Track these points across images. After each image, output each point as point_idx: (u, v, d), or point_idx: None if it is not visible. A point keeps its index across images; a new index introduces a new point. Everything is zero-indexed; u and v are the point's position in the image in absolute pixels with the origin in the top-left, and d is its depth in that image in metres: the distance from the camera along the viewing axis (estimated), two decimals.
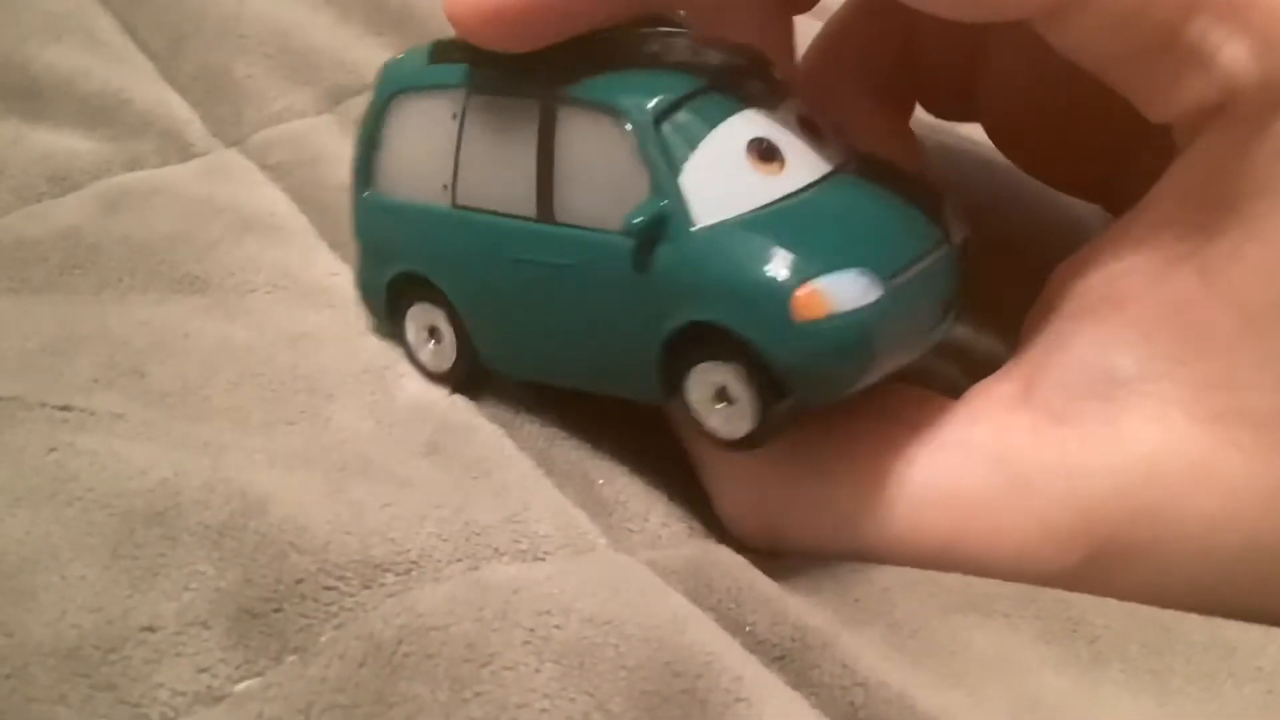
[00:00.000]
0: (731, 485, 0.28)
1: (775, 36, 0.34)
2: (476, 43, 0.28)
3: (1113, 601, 0.26)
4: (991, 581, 0.27)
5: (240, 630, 0.23)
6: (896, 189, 0.28)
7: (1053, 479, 0.26)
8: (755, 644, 0.25)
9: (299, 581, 0.24)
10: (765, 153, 0.27)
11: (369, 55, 0.43)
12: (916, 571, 0.27)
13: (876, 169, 0.28)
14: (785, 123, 0.28)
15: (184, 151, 0.39)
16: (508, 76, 0.28)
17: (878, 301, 0.25)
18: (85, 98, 0.40)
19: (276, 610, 0.24)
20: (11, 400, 0.27)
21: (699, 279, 0.26)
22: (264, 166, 0.39)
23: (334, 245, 0.36)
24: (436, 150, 0.29)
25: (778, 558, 0.28)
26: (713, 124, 0.27)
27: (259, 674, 0.23)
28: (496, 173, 0.29)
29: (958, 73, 0.35)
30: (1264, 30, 0.24)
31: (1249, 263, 0.25)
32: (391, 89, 0.31)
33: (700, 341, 0.26)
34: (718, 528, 0.29)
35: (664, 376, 0.27)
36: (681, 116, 0.27)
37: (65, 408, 0.28)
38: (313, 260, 0.35)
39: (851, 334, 0.25)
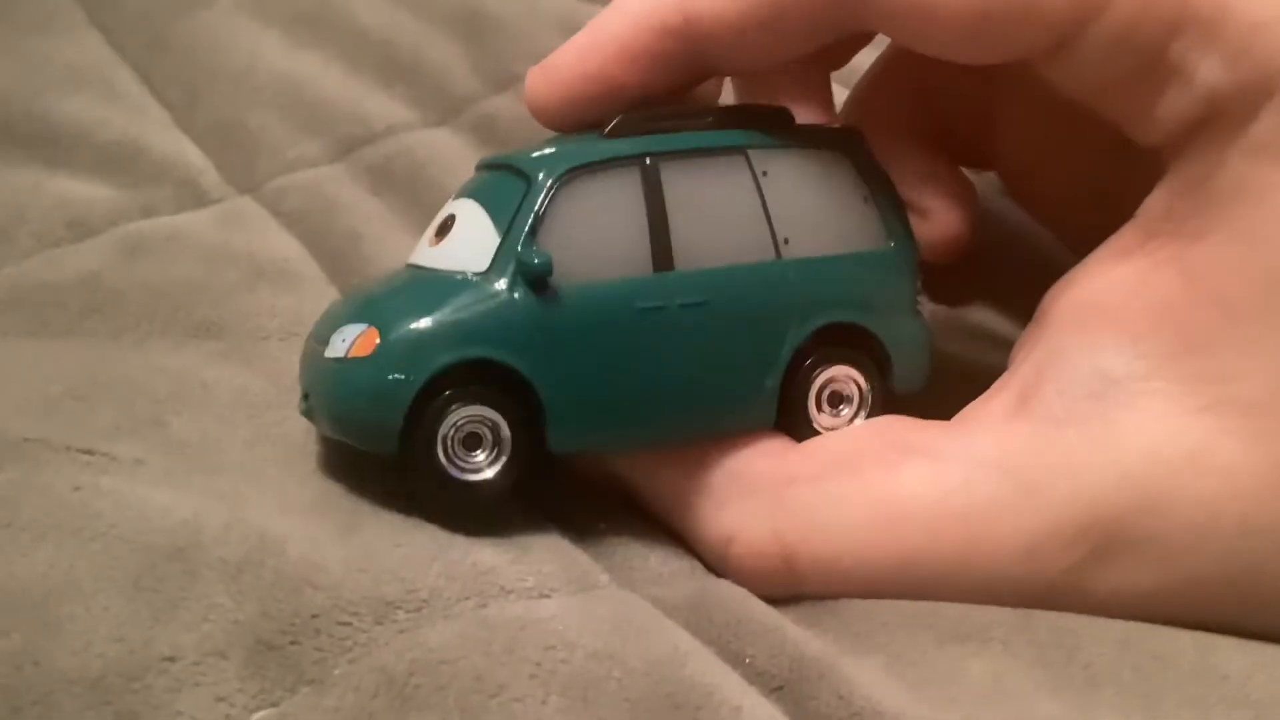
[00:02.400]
0: (742, 526, 0.29)
1: (815, 91, 0.36)
2: (546, 121, 0.31)
3: (1106, 628, 0.27)
4: (989, 609, 0.28)
5: (257, 661, 0.24)
6: (390, 295, 0.30)
7: (1057, 478, 0.27)
8: (755, 675, 0.26)
9: (314, 616, 0.25)
10: (440, 228, 0.30)
11: (379, 107, 0.44)
12: (915, 605, 0.28)
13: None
14: (444, 214, 0.31)
15: (199, 199, 0.40)
16: None
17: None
18: (103, 146, 0.41)
19: (293, 643, 0.24)
20: (37, 442, 0.28)
21: None
22: (277, 214, 0.40)
23: (345, 292, 0.37)
24: None
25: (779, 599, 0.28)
26: (463, 195, 0.31)
27: (275, 704, 0.24)
28: None
29: (974, 124, 0.36)
30: (1235, 43, 0.26)
31: (1228, 261, 0.27)
32: None
33: None
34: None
35: None
36: (470, 180, 0.32)
37: (88, 451, 0.28)
38: (324, 308, 0.36)
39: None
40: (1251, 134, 0.26)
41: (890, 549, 0.28)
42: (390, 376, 0.28)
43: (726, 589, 0.28)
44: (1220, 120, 0.27)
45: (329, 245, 0.39)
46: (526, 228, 0.28)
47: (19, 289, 0.35)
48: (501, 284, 0.28)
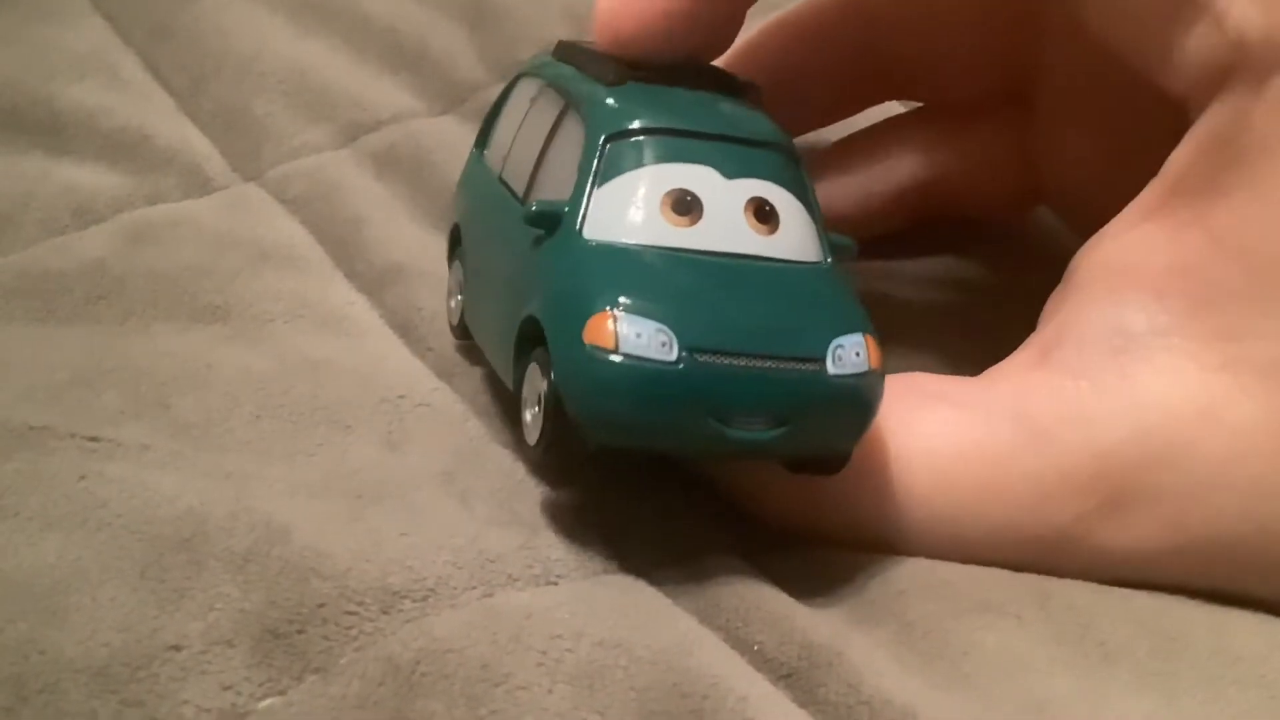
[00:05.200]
0: (766, 472, 0.29)
1: None
2: (618, 46, 0.30)
3: (1121, 607, 0.28)
4: (1004, 584, 0.28)
5: (264, 650, 0.24)
6: (804, 297, 0.27)
7: (1070, 428, 0.28)
8: (763, 662, 0.26)
9: (320, 605, 0.25)
10: (680, 205, 0.27)
11: (384, 94, 0.44)
12: (930, 573, 0.28)
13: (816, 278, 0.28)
14: (735, 194, 0.27)
15: (204, 186, 0.40)
16: (573, 78, 0.30)
17: (668, 362, 0.25)
18: (108, 134, 0.40)
19: (299, 632, 0.24)
20: (43, 430, 0.28)
21: (552, 276, 0.27)
22: (282, 200, 0.40)
23: (349, 275, 0.37)
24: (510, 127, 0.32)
25: (793, 560, 0.29)
26: (653, 162, 0.28)
27: (281, 692, 0.24)
28: (521, 154, 0.31)
29: (1015, 172, 0.37)
30: None
31: (1254, 220, 0.27)
32: (517, 72, 0.33)
33: (539, 340, 0.27)
34: (727, 542, 0.29)
35: (515, 364, 0.28)
36: (631, 145, 0.28)
37: (94, 438, 0.28)
38: (329, 291, 0.36)
39: (624, 378, 0.25)
40: (1277, 89, 0.26)
41: (905, 487, 0.28)
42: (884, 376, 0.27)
43: (735, 571, 0.28)
44: (1246, 72, 0.27)
45: (333, 231, 0.38)
46: (818, 208, 0.28)
47: (25, 276, 0.35)
48: (838, 268, 0.28)
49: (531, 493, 0.29)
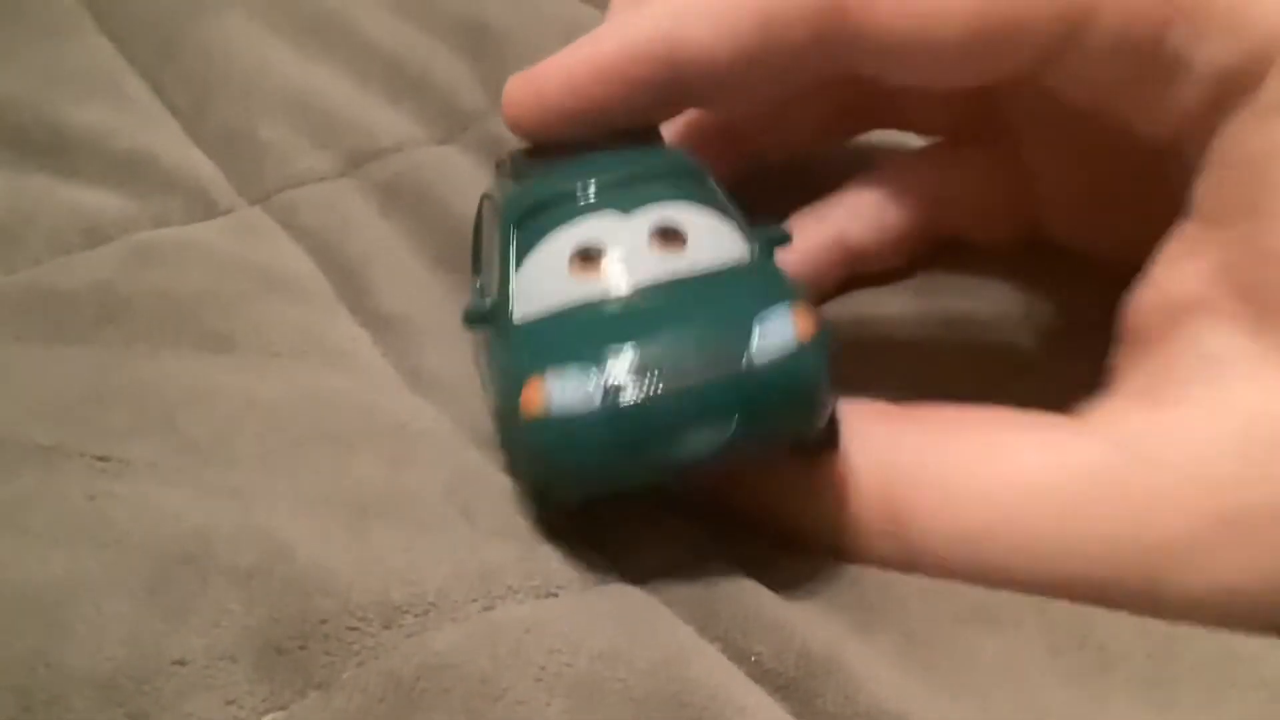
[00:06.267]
0: (852, 474, 0.28)
1: None
2: (520, 130, 0.31)
3: (1122, 614, 0.27)
4: (1004, 592, 0.28)
5: (267, 665, 0.24)
6: (721, 298, 0.27)
7: (1175, 452, 0.27)
8: (761, 673, 0.26)
9: (323, 621, 0.25)
10: (585, 257, 0.28)
11: (387, 122, 0.44)
12: (929, 580, 0.28)
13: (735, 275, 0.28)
14: (637, 227, 0.28)
15: (209, 209, 0.40)
16: (501, 183, 0.32)
17: (594, 410, 0.26)
18: (113, 155, 0.41)
19: (302, 648, 0.25)
20: (52, 449, 0.29)
21: (490, 365, 0.29)
22: (288, 227, 0.40)
23: (353, 310, 0.37)
24: None
25: (793, 568, 0.29)
26: (556, 227, 0.28)
27: (283, 707, 0.24)
28: (489, 270, 0.32)
29: (1018, 203, 0.37)
30: (1226, 21, 0.26)
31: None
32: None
33: None
34: (726, 552, 0.29)
35: None
36: (535, 222, 0.29)
37: (103, 457, 0.29)
38: (334, 325, 0.36)
39: (554, 438, 0.26)
40: (1263, 101, 0.26)
41: (1002, 508, 0.27)
42: (829, 352, 0.27)
43: (734, 581, 0.28)
44: (1231, 98, 0.27)
45: (339, 265, 0.39)
46: (736, 211, 0.29)
47: (33, 294, 0.35)
48: (769, 260, 0.29)
49: (531, 506, 0.30)
